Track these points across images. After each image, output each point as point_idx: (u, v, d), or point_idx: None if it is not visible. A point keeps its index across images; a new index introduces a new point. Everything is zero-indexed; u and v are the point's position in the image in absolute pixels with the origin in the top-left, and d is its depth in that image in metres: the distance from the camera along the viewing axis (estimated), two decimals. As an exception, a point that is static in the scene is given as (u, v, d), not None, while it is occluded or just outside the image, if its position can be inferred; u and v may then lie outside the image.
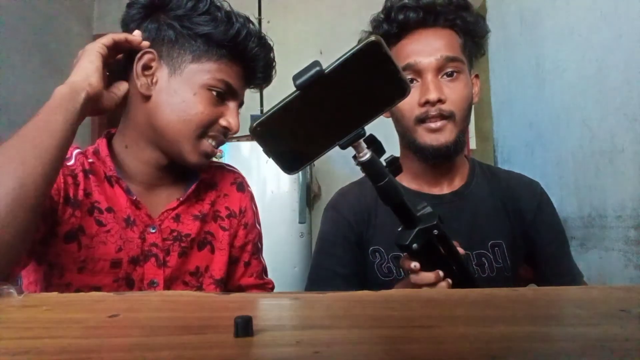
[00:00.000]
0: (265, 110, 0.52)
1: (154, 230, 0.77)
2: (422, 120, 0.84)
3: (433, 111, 0.83)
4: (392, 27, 0.87)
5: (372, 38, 0.46)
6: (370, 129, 0.50)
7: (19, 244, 0.56)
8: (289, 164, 0.51)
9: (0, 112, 1.92)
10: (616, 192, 1.35)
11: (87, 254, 0.72)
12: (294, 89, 0.47)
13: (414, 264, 0.64)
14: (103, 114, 0.74)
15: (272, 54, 0.82)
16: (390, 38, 0.88)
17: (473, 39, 0.89)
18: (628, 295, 0.51)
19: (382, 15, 0.89)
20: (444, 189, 0.91)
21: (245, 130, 2.87)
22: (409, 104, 0.84)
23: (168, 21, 0.75)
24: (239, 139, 3.15)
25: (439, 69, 0.84)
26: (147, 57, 0.75)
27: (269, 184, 2.54)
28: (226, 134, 0.80)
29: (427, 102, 0.82)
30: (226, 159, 2.50)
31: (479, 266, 0.86)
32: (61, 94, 0.63)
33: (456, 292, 0.51)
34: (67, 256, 0.71)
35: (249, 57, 0.79)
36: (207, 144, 0.78)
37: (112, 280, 0.74)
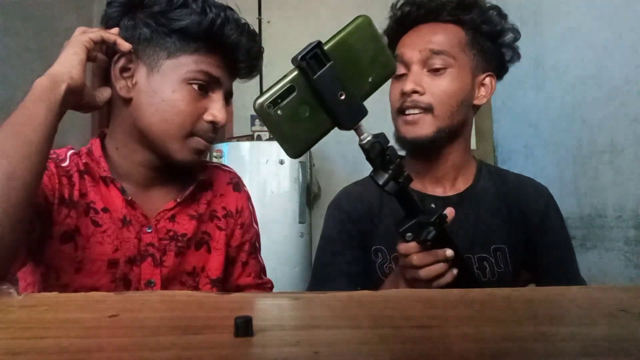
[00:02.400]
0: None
1: (149, 230, 0.77)
2: (401, 111, 0.85)
3: (408, 102, 0.83)
4: (395, 23, 0.90)
5: (359, 17, 0.50)
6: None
7: (13, 240, 0.56)
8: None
9: (0, 112, 1.93)
10: (616, 192, 1.35)
11: (83, 254, 0.72)
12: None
13: (411, 245, 0.64)
14: (86, 111, 0.73)
15: (255, 41, 0.79)
16: (396, 33, 0.91)
17: (485, 35, 0.88)
18: (628, 295, 0.51)
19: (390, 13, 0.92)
20: (447, 190, 0.90)
21: (245, 130, 2.87)
22: (394, 95, 0.86)
23: (144, 19, 0.73)
24: (238, 138, 3.15)
25: (424, 62, 0.84)
26: (124, 59, 0.73)
27: (269, 184, 2.54)
28: (215, 129, 0.78)
29: (403, 93, 0.84)
30: (226, 159, 2.50)
31: (480, 270, 0.85)
32: (41, 86, 0.62)
33: (456, 292, 0.51)
34: (64, 257, 0.71)
35: (227, 46, 0.76)
36: (197, 141, 0.76)
37: (110, 280, 0.73)
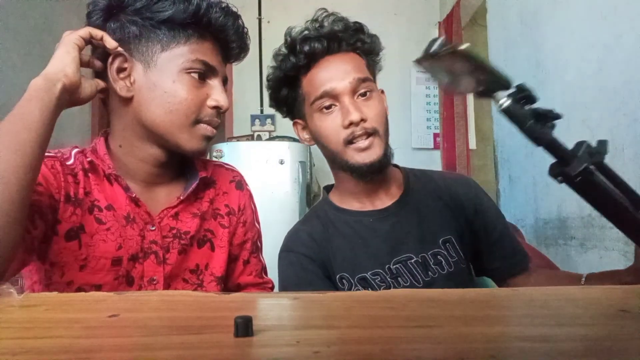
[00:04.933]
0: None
1: (153, 228, 0.78)
2: (350, 141, 0.87)
3: (358, 131, 0.86)
4: (300, 58, 0.90)
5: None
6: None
7: (9, 239, 0.56)
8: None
9: (0, 112, 1.93)
10: (616, 192, 1.35)
11: (87, 252, 0.72)
12: None
13: None
14: (81, 104, 0.73)
15: (240, 21, 0.81)
16: (299, 69, 0.91)
17: (373, 57, 0.95)
18: (628, 295, 0.51)
19: (285, 50, 0.92)
20: (385, 201, 0.93)
21: (245, 130, 2.86)
22: (333, 129, 0.88)
23: (129, 18, 0.74)
24: (238, 138, 3.15)
25: (354, 91, 0.88)
26: (118, 60, 0.74)
27: (269, 184, 2.54)
28: (219, 114, 0.79)
29: (351, 124, 0.86)
30: (226, 159, 2.50)
31: (437, 264, 0.88)
32: (36, 86, 0.63)
33: (456, 292, 0.51)
34: (69, 254, 0.71)
35: (217, 30, 0.77)
36: (203, 127, 0.77)
37: (113, 277, 0.74)
